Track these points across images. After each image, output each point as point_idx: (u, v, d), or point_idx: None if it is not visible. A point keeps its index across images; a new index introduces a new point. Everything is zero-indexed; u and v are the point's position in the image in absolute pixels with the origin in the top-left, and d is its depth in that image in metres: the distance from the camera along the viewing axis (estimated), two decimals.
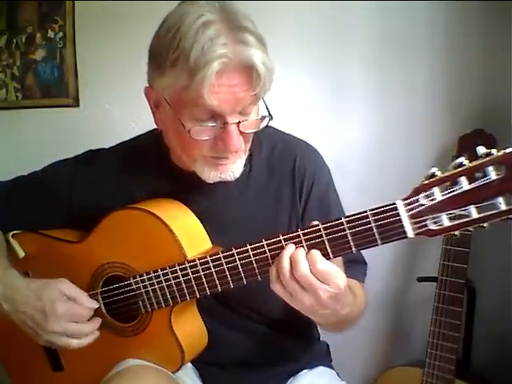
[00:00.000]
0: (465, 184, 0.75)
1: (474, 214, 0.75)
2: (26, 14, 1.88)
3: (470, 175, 0.75)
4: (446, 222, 0.77)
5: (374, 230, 0.81)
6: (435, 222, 0.78)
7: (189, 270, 0.96)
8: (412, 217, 0.79)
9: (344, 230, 0.83)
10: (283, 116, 1.17)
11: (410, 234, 0.80)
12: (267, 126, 0.99)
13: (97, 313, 1.05)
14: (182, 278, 0.97)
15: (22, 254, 1.12)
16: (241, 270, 0.91)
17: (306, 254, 0.83)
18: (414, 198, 0.78)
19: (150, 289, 1.00)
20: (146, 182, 1.10)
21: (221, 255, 0.93)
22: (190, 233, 1.01)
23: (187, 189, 1.06)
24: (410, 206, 0.79)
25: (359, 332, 1.55)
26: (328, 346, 1.29)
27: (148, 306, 1.02)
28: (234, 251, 0.91)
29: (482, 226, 0.76)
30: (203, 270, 0.94)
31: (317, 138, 1.21)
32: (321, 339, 1.27)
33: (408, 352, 1.75)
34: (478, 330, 1.60)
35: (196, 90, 0.87)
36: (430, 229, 0.78)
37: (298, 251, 0.83)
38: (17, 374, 1.20)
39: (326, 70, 1.70)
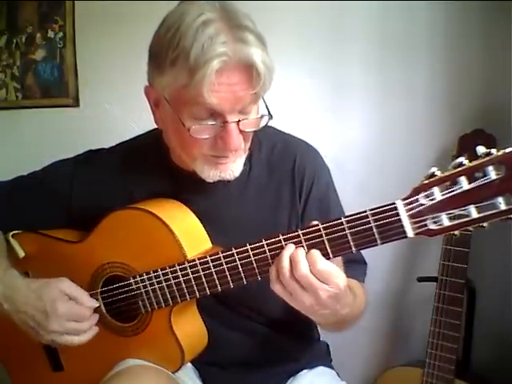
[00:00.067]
0: (464, 184, 0.75)
1: (474, 214, 0.75)
2: (26, 14, 1.88)
3: (470, 175, 0.75)
4: (446, 222, 0.77)
5: (374, 230, 0.81)
6: (435, 222, 0.78)
7: (189, 270, 0.96)
8: (412, 216, 0.79)
9: (344, 229, 0.83)
10: (283, 116, 1.17)
11: (410, 233, 0.80)
12: (267, 125, 0.99)
13: (97, 313, 1.05)
14: (181, 278, 0.97)
15: (22, 254, 1.12)
16: (241, 269, 0.91)
17: (306, 253, 0.83)
18: (413, 198, 0.78)
19: (149, 289, 1.00)
20: (146, 181, 1.10)
21: (221, 255, 0.93)
22: (189, 233, 1.01)
23: (187, 189, 1.06)
24: (410, 206, 0.79)
25: (359, 332, 1.55)
26: (328, 346, 1.29)
27: (148, 305, 1.02)
28: (234, 251, 0.91)
29: (482, 226, 0.76)
30: (203, 269, 0.94)
31: (317, 137, 1.21)
32: (321, 339, 1.27)
33: (408, 352, 1.74)
34: (478, 330, 1.60)
35: (196, 89, 0.87)
36: (429, 228, 0.78)
37: (298, 251, 0.83)
38: (17, 374, 1.20)
39: (326, 70, 1.70)
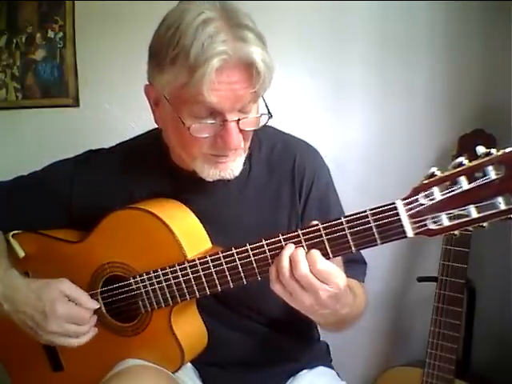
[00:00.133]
0: (464, 184, 0.75)
1: (474, 214, 0.75)
2: (26, 14, 1.88)
3: (470, 175, 0.75)
4: (446, 222, 0.77)
5: (374, 230, 0.81)
6: (435, 222, 0.78)
7: (189, 270, 0.96)
8: (411, 216, 0.79)
9: (344, 229, 0.83)
10: (283, 116, 1.17)
11: (410, 233, 0.79)
12: (267, 125, 0.99)
13: (97, 313, 1.05)
14: (181, 278, 0.97)
15: (22, 254, 1.12)
16: (240, 269, 0.91)
17: (306, 253, 0.83)
18: (413, 198, 0.78)
19: (149, 289, 1.00)
20: (146, 181, 1.10)
21: (220, 255, 0.93)
22: (189, 233, 1.01)
23: (187, 188, 1.06)
24: (410, 206, 0.79)
25: (359, 332, 1.55)
26: (328, 346, 1.28)
27: (148, 305, 1.02)
28: (234, 251, 0.91)
29: (482, 226, 0.75)
30: (203, 269, 0.94)
31: (317, 137, 1.21)
32: (321, 339, 1.27)
33: (408, 352, 1.74)
34: (478, 330, 1.60)
35: (196, 87, 0.87)
36: (429, 228, 0.78)
37: (298, 251, 0.83)
38: (17, 374, 1.20)
39: (326, 70, 1.70)
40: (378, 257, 1.40)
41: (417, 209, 0.78)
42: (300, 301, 0.84)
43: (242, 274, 0.91)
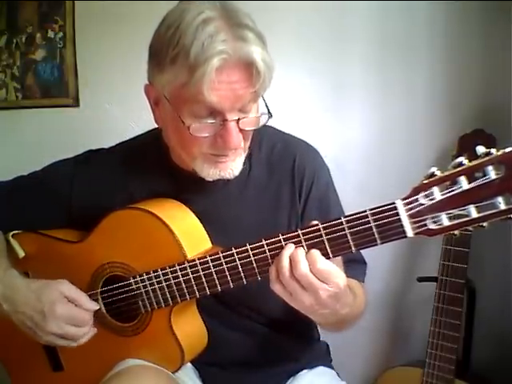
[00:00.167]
0: (464, 183, 0.75)
1: (474, 214, 0.75)
2: (26, 14, 1.88)
3: (470, 175, 0.75)
4: (446, 222, 0.77)
5: (374, 230, 0.81)
6: (435, 222, 0.78)
7: (189, 270, 0.96)
8: (411, 216, 0.79)
9: (343, 229, 0.83)
10: (283, 116, 1.17)
11: (410, 233, 0.79)
12: (267, 125, 0.99)
13: (97, 313, 1.05)
14: (181, 278, 0.97)
15: (22, 254, 1.12)
16: (240, 269, 0.91)
17: (306, 253, 0.83)
18: (413, 198, 0.78)
19: (149, 289, 1.00)
20: (146, 181, 1.10)
21: (220, 255, 0.93)
22: (189, 233, 1.01)
23: (187, 188, 1.06)
24: (410, 206, 0.79)
25: (359, 332, 1.55)
26: (328, 346, 1.28)
27: (148, 305, 1.02)
28: (234, 251, 0.91)
29: (482, 226, 0.75)
30: (203, 269, 0.94)
31: (317, 138, 1.21)
32: (321, 339, 1.27)
33: (408, 352, 1.74)
34: (478, 330, 1.60)
35: (196, 87, 0.87)
36: (429, 228, 0.78)
37: (298, 251, 0.83)
38: (17, 374, 1.20)
39: (326, 70, 1.70)
40: (377, 257, 1.40)
41: (417, 209, 0.78)
42: (300, 301, 0.84)
43: (242, 273, 0.91)
